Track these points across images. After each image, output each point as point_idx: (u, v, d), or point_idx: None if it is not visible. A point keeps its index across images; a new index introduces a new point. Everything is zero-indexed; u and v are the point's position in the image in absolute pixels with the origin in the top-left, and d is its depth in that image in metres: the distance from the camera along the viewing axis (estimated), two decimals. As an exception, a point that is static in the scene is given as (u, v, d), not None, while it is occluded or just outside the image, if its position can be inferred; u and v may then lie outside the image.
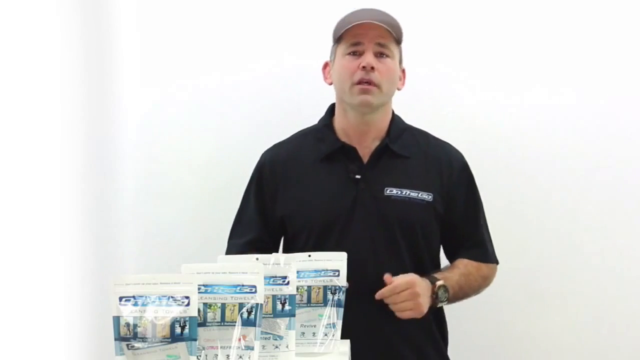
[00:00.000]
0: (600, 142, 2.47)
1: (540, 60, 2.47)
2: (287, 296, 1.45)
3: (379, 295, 1.85)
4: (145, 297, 1.27)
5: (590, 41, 2.46)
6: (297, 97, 2.50)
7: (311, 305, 1.56)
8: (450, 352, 2.06)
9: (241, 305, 1.34)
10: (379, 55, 1.97)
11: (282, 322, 1.45)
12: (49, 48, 1.88)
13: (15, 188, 1.70)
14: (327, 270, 1.58)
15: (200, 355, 1.32)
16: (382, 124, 2.04)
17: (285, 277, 1.46)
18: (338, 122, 2.06)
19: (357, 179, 1.99)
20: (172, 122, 2.52)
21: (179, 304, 1.26)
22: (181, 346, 1.25)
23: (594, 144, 2.47)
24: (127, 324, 1.26)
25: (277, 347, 1.44)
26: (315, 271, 1.57)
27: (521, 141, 2.48)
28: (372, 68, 1.94)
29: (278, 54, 2.50)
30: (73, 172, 2.04)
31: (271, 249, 2.06)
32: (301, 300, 1.54)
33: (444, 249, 2.10)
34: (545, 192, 2.48)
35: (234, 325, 1.34)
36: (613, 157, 2.47)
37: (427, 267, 1.98)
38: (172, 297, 1.27)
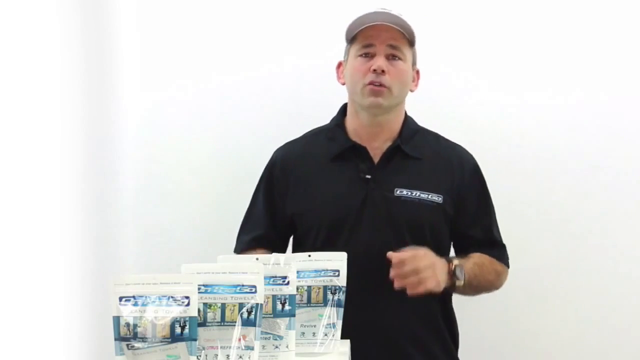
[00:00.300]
0: (601, 142, 2.47)
1: (540, 60, 2.48)
2: (287, 296, 1.45)
3: (394, 258, 1.81)
4: (145, 297, 1.27)
5: (590, 41, 2.46)
6: (298, 98, 2.50)
7: (311, 305, 1.56)
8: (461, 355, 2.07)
9: (241, 305, 1.34)
10: (391, 57, 1.97)
11: (282, 322, 1.44)
12: (48, 48, 1.87)
13: (16, 188, 1.70)
14: (327, 270, 1.58)
15: (200, 355, 1.32)
16: (394, 125, 2.04)
17: (285, 277, 1.46)
18: (350, 122, 2.07)
19: (368, 178, 1.99)
20: (172, 122, 2.53)
21: (179, 304, 1.26)
22: (181, 346, 1.25)
23: (595, 143, 2.47)
24: (127, 324, 1.26)
25: (277, 347, 1.44)
26: (315, 271, 1.57)
27: (521, 141, 2.49)
28: (383, 71, 1.94)
29: (278, 54, 2.50)
30: (73, 172, 2.04)
31: (279, 247, 2.07)
32: (301, 300, 1.54)
33: (455, 252, 2.09)
34: (545, 192, 2.48)
35: (234, 325, 1.34)
36: (613, 157, 2.47)
37: None
38: (172, 297, 1.27)
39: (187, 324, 1.26)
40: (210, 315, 1.34)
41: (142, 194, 2.51)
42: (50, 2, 1.90)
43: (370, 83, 1.95)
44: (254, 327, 1.34)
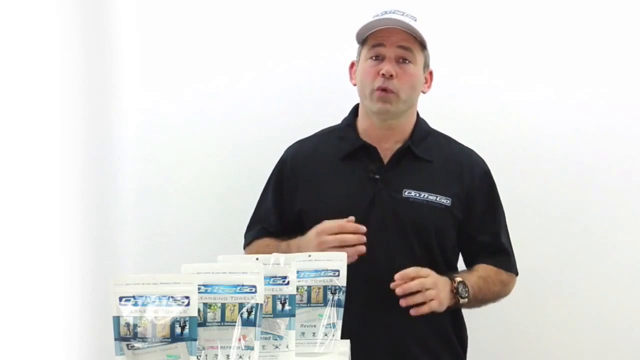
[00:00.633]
0: (601, 142, 2.47)
1: (540, 60, 2.48)
2: (287, 296, 1.45)
3: (399, 274, 1.82)
4: (145, 297, 1.27)
5: (591, 41, 2.46)
6: (298, 98, 2.50)
7: (311, 305, 1.56)
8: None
9: (241, 305, 1.34)
10: (401, 60, 1.97)
11: (282, 322, 1.44)
12: (48, 48, 1.87)
13: (16, 188, 1.70)
14: (327, 270, 1.58)
15: (200, 355, 1.32)
16: (405, 127, 2.04)
17: (285, 277, 1.46)
18: (361, 122, 2.07)
19: (376, 179, 1.99)
20: (172, 122, 2.53)
21: (179, 304, 1.26)
22: (181, 346, 1.25)
23: (595, 143, 2.47)
24: (127, 324, 1.26)
25: (277, 347, 1.44)
26: (315, 271, 1.57)
27: (521, 141, 2.48)
28: (392, 75, 1.94)
29: (278, 55, 2.50)
30: (73, 172, 2.04)
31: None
32: (301, 300, 1.54)
33: (463, 257, 2.09)
34: (545, 192, 2.48)
35: (234, 325, 1.34)
36: (614, 157, 2.47)
37: (441, 271, 1.96)
38: (172, 297, 1.27)
39: (187, 324, 1.26)
40: (210, 315, 1.34)
41: (142, 194, 2.51)
42: (50, 2, 1.90)
43: (379, 88, 1.95)
44: (254, 327, 1.34)
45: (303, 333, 1.54)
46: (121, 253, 2.42)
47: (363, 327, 1.87)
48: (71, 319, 2.00)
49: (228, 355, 1.33)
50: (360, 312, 1.83)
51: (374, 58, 1.98)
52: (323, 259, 1.60)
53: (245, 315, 1.34)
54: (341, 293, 1.57)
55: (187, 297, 1.27)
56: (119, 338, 1.27)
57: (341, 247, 1.77)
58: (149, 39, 2.50)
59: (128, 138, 2.47)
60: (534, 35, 2.47)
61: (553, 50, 2.47)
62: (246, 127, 2.51)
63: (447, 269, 2.01)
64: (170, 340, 1.25)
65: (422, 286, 1.81)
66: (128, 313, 1.26)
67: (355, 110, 2.10)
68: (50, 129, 1.89)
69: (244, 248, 2.13)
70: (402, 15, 1.97)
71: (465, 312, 2.14)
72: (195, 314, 1.27)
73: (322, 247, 1.81)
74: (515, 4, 2.48)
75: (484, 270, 2.00)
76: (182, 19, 2.51)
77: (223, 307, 1.34)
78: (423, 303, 1.82)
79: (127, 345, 1.26)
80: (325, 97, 2.46)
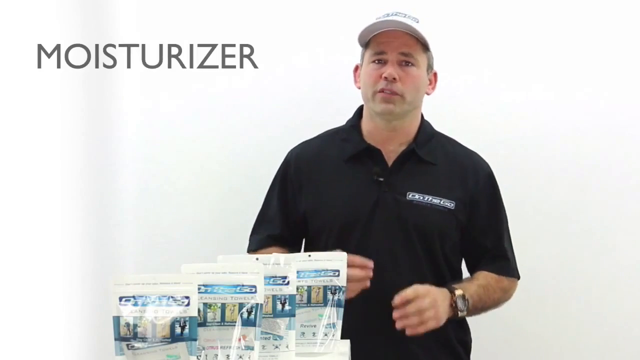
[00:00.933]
0: (601, 141, 2.47)
1: (540, 60, 2.47)
2: (287, 296, 1.45)
3: (397, 299, 1.81)
4: (145, 297, 1.27)
5: (592, 42, 2.46)
6: (298, 98, 2.50)
7: (311, 305, 1.56)
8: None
9: (241, 305, 1.34)
10: (404, 63, 1.96)
11: (282, 322, 1.45)
12: (48, 48, 1.87)
13: (16, 188, 1.70)
14: (327, 270, 1.58)
15: (200, 355, 1.32)
16: (409, 129, 2.04)
17: (285, 277, 1.46)
18: (365, 124, 2.06)
19: (380, 181, 1.99)
20: (172, 122, 2.52)
21: (179, 304, 1.26)
22: (181, 346, 1.25)
23: (595, 143, 2.47)
24: (127, 324, 1.26)
25: (277, 347, 1.44)
26: (315, 271, 1.57)
27: (521, 141, 2.48)
28: (394, 79, 1.93)
29: (278, 55, 2.49)
30: (73, 172, 2.04)
31: (293, 246, 2.07)
32: (301, 300, 1.54)
33: (465, 260, 2.09)
34: (545, 192, 2.48)
35: (234, 325, 1.34)
36: (614, 157, 2.47)
37: (444, 275, 1.97)
38: (172, 297, 1.27)
39: (187, 324, 1.26)
40: (210, 315, 1.34)
41: (142, 194, 2.51)
42: (50, 2, 1.90)
43: (382, 90, 1.95)
44: (254, 327, 1.34)
45: (303, 333, 1.54)
46: (121, 253, 2.42)
47: (363, 327, 1.87)
48: (71, 319, 2.00)
49: (228, 355, 1.33)
50: (360, 313, 1.83)
51: (376, 61, 1.97)
52: (323, 259, 1.60)
53: (245, 315, 1.34)
54: (341, 293, 1.57)
55: (187, 297, 1.27)
56: (119, 338, 1.27)
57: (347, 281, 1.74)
58: (149, 38, 2.50)
59: (128, 138, 2.47)
60: (534, 36, 2.47)
61: (553, 50, 2.47)
62: (246, 127, 2.51)
63: (449, 271, 2.01)
64: (170, 340, 1.25)
65: (419, 309, 1.81)
66: (128, 313, 1.26)
67: (359, 112, 2.10)
68: (50, 129, 1.89)
69: (248, 252, 2.11)
70: (404, 17, 1.96)
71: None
72: (195, 314, 1.27)
73: None
74: (515, 5, 2.48)
75: (484, 278, 2.00)
76: (182, 18, 2.51)
77: (223, 307, 1.34)
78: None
79: (127, 345, 1.26)
80: (326, 97, 2.46)
